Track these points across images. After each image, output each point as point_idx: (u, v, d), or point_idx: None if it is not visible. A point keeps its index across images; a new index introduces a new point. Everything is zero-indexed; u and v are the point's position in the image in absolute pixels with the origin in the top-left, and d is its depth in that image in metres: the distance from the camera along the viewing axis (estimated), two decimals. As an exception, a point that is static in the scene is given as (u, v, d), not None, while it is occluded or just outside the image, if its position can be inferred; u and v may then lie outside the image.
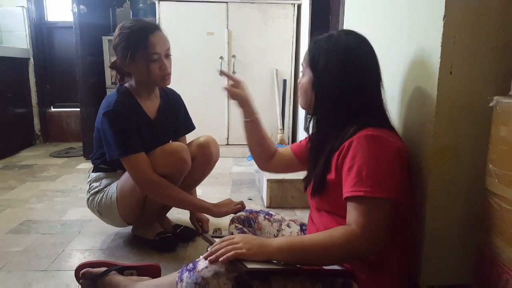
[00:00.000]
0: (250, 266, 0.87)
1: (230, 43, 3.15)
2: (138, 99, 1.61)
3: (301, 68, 1.15)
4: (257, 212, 1.45)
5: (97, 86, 3.36)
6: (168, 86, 1.71)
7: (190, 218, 1.88)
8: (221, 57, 3.16)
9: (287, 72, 3.25)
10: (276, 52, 3.21)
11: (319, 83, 1.06)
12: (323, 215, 1.09)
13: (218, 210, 1.54)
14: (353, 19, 1.80)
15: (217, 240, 1.03)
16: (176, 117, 1.78)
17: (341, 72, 1.02)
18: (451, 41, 0.99)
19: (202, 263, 0.93)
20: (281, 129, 3.20)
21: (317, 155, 1.10)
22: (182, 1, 3.07)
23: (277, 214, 1.46)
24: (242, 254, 0.89)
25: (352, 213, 0.92)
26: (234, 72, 3.19)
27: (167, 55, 1.56)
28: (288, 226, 1.40)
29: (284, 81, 3.23)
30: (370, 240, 0.90)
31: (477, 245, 0.98)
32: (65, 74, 3.86)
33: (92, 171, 1.74)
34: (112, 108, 1.51)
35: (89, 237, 1.80)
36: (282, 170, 1.48)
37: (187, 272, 0.95)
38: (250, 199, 2.31)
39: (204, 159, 1.72)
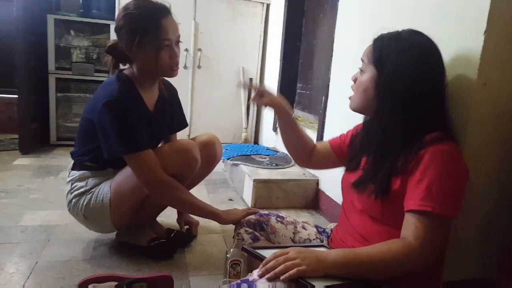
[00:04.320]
0: (314, 283, 0.81)
1: (197, 36, 2.98)
2: (139, 89, 1.42)
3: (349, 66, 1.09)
4: (267, 215, 1.37)
5: (38, 71, 2.92)
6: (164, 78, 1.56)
7: (178, 221, 1.72)
8: (186, 50, 2.97)
9: (254, 71, 3.17)
10: (244, 50, 3.12)
11: (386, 84, 0.98)
12: (366, 220, 1.04)
13: (226, 216, 1.42)
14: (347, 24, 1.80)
15: (263, 253, 0.96)
16: (172, 112, 1.61)
17: (412, 74, 0.94)
18: (490, 53, 1.02)
19: (263, 286, 0.83)
20: (245, 128, 3.12)
21: (378, 159, 1.03)
22: (146, -15, 2.82)
23: (287, 216, 1.40)
24: (304, 272, 0.83)
25: (412, 226, 0.88)
26: (199, 67, 3.03)
27: (177, 42, 1.41)
28: (304, 228, 1.35)
29: (251, 79, 3.15)
30: (427, 256, 0.88)
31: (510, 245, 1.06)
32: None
33: (73, 169, 1.49)
34: (115, 97, 1.30)
35: (64, 246, 1.53)
36: (321, 166, 1.42)
37: None
38: (231, 200, 2.20)
39: (208, 158, 1.58)
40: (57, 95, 3.00)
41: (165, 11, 1.36)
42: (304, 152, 1.32)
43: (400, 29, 1.02)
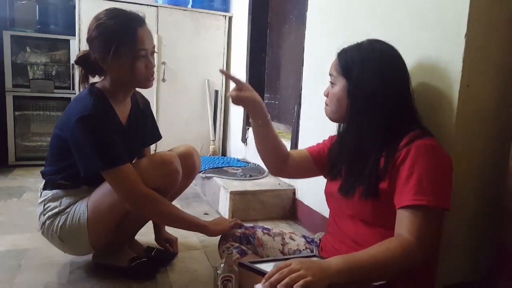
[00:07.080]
0: None
1: (160, 49, 2.95)
2: (112, 102, 1.39)
3: (328, 79, 1.13)
4: (253, 228, 1.36)
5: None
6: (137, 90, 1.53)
7: (156, 238, 1.68)
8: (151, 64, 2.93)
9: (219, 83, 3.19)
10: (208, 62, 3.13)
11: (355, 90, 1.05)
12: (358, 224, 1.06)
13: (215, 228, 1.40)
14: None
15: (261, 266, 0.96)
16: (145, 125, 1.58)
17: (377, 78, 1.02)
18: (472, 56, 1.07)
19: None
20: (213, 141, 3.12)
21: (356, 162, 1.07)
22: (107, -1, 2.76)
23: (273, 227, 1.40)
24: (311, 282, 0.81)
25: (406, 222, 0.90)
26: (164, 80, 3.00)
27: (153, 53, 1.40)
28: (292, 239, 1.34)
29: (216, 91, 3.16)
30: (426, 250, 0.89)
31: (498, 243, 1.10)
32: None
33: (45, 189, 1.43)
34: (89, 112, 1.26)
35: (37, 271, 1.45)
36: (296, 175, 1.40)
37: None
38: (207, 214, 2.18)
39: (188, 170, 1.55)
40: (14, 114, 2.87)
41: (140, 20, 1.35)
42: (278, 159, 1.31)
43: (359, 41, 1.10)
